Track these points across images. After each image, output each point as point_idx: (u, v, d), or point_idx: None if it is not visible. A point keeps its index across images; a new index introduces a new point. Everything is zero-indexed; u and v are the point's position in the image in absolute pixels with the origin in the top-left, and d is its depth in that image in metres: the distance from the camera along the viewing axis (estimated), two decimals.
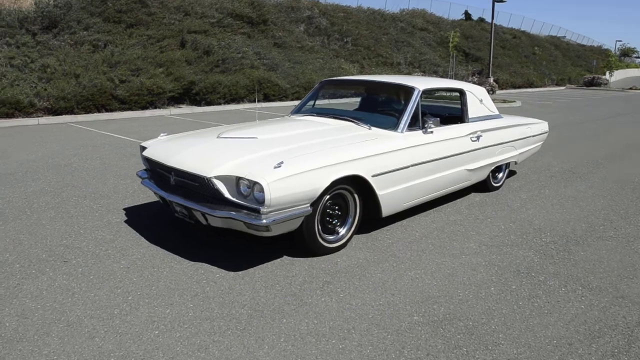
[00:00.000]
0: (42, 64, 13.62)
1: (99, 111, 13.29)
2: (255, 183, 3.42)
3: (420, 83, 5.07)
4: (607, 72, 40.54)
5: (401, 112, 4.77)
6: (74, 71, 13.65)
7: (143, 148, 4.57)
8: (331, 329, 2.96)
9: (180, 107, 15.11)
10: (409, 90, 4.92)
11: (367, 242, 4.34)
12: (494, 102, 6.15)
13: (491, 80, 24.34)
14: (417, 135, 4.68)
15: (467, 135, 5.25)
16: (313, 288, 3.47)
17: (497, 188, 6.21)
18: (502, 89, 28.20)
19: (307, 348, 2.76)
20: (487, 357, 2.72)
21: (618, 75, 41.31)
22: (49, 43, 14.71)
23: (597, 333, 2.98)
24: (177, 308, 3.16)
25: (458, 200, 5.71)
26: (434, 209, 5.34)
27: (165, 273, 3.64)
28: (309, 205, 3.67)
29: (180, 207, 3.89)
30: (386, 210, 4.38)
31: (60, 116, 12.43)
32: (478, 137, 5.39)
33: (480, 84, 21.71)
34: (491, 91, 22.37)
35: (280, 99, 17.55)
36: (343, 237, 4.15)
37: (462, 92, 5.51)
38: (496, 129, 5.73)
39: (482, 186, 5.99)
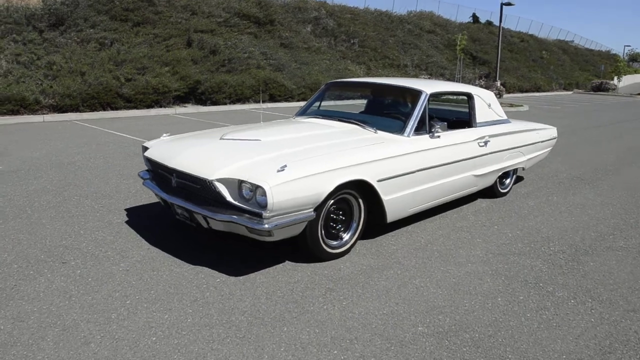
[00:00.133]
0: (48, 61, 13.62)
1: (104, 109, 13.26)
2: (257, 187, 3.34)
3: (428, 86, 4.98)
4: (616, 78, 40.26)
5: (408, 116, 4.69)
6: (79, 69, 13.63)
7: (145, 148, 4.50)
8: (333, 338, 2.88)
9: (185, 107, 15.07)
10: (416, 94, 4.83)
11: (371, 248, 4.26)
12: (501, 106, 6.05)
13: (498, 83, 24.19)
14: (424, 139, 4.59)
15: (474, 140, 5.16)
16: (315, 295, 3.39)
17: (504, 194, 6.11)
18: (509, 92, 28.02)
19: (307, 359, 2.68)
20: None
21: (626, 81, 41.01)
22: (56, 40, 14.71)
23: (608, 348, 2.89)
24: (176, 313, 3.08)
25: (464, 206, 5.62)
26: (440, 215, 5.25)
27: (165, 276, 3.57)
28: (312, 210, 3.59)
29: (182, 210, 3.82)
30: (391, 215, 4.29)
31: (65, 114, 12.40)
32: (486, 143, 5.30)
33: (487, 87, 21.57)
34: (498, 95, 22.22)
35: (286, 100, 17.48)
36: (347, 242, 4.07)
37: (470, 96, 5.42)
38: (504, 134, 5.64)
39: (489, 192, 5.89)
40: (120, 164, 7.17)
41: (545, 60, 40.05)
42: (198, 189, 3.73)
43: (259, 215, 3.36)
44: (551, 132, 6.77)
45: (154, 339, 2.80)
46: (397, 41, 28.38)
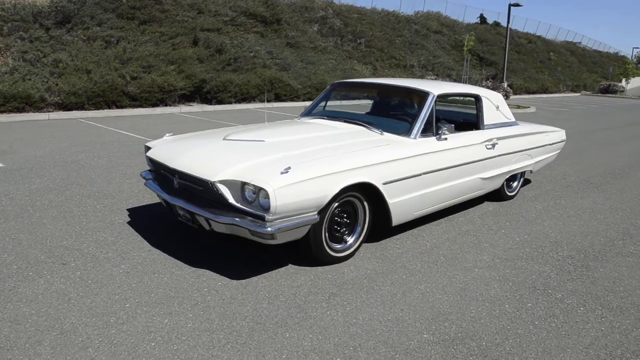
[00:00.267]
0: (54, 59, 13.61)
1: (109, 107, 13.25)
2: (260, 189, 3.27)
3: (435, 87, 4.90)
4: (624, 80, 39.97)
5: (414, 118, 4.61)
6: (85, 67, 13.62)
7: (147, 148, 4.45)
8: (336, 345, 2.81)
9: (190, 105, 15.03)
10: (423, 95, 4.75)
11: (375, 252, 4.18)
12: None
13: (505, 85, 24.02)
14: (431, 141, 4.51)
15: (482, 142, 5.08)
16: (318, 300, 3.32)
17: (512, 197, 6.02)
18: (516, 94, 27.85)
19: None
20: None
21: (635, 83, 40.69)
22: (62, 38, 14.71)
23: (619, 359, 2.80)
24: (176, 318, 3.02)
25: (470, 209, 5.54)
26: (446, 218, 5.16)
27: (166, 279, 3.51)
28: (316, 213, 3.52)
29: (183, 211, 3.76)
30: (397, 219, 4.22)
31: (70, 112, 12.39)
32: (493, 145, 5.21)
33: (494, 88, 21.41)
34: (505, 96, 22.05)
35: (292, 99, 17.42)
36: (351, 246, 3.99)
37: (477, 98, 5.33)
38: (512, 137, 5.55)
39: (496, 195, 5.80)
40: (124, 163, 7.13)
41: (552, 61, 39.80)
42: (200, 191, 3.67)
43: (262, 218, 3.29)
44: (560, 134, 6.67)
45: (153, 344, 2.74)
46: (404, 41, 28.26)
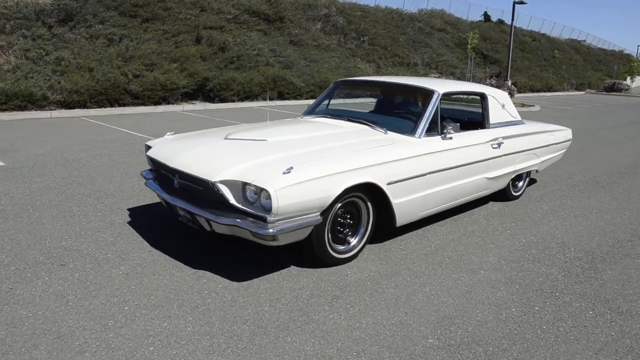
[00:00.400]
0: (57, 57, 13.56)
1: (111, 106, 13.20)
2: (262, 189, 3.21)
3: (440, 86, 4.82)
4: (629, 78, 39.72)
5: (419, 116, 4.53)
6: (88, 65, 13.57)
7: (148, 147, 4.38)
8: (339, 350, 2.74)
9: (193, 104, 14.97)
10: (428, 94, 4.67)
11: (379, 253, 4.11)
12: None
13: (509, 83, 23.87)
14: (436, 141, 4.44)
15: (487, 142, 5.00)
16: (321, 303, 3.25)
17: (517, 197, 5.94)
18: (520, 92, 27.68)
19: None
20: None
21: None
22: (65, 36, 14.66)
23: None
24: (175, 321, 2.96)
25: (475, 209, 5.46)
26: (451, 218, 5.09)
27: (166, 281, 3.45)
28: (319, 214, 3.45)
29: (184, 212, 3.69)
30: (401, 219, 4.15)
31: (72, 110, 12.34)
32: (499, 144, 5.13)
33: (498, 87, 21.28)
34: (510, 95, 21.90)
35: (295, 97, 17.34)
36: (354, 247, 3.92)
37: (483, 96, 5.25)
38: (518, 136, 5.46)
39: (501, 195, 5.72)
40: (125, 161, 7.07)
41: (557, 59, 39.58)
42: (201, 191, 3.61)
43: (264, 220, 3.22)
44: (566, 133, 6.58)
45: (152, 348, 2.68)
46: (408, 39, 28.12)
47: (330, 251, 3.73)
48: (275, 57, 18.56)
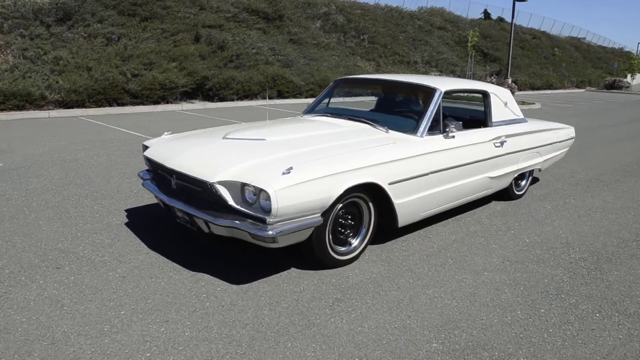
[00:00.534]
0: (55, 56, 13.48)
1: (110, 105, 13.11)
2: (261, 190, 3.13)
3: (442, 84, 4.75)
4: (629, 75, 39.61)
5: (421, 115, 4.45)
6: (86, 64, 13.49)
7: (145, 147, 4.30)
8: (340, 356, 2.67)
9: (192, 103, 14.90)
10: (429, 91, 4.59)
11: (381, 254, 4.04)
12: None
13: (510, 81, 23.77)
14: (438, 139, 4.36)
15: (490, 140, 4.92)
16: (322, 306, 3.18)
17: (520, 196, 5.87)
18: (520, 90, 27.57)
19: None
20: None
21: None
22: (63, 35, 14.58)
23: None
24: (173, 326, 2.88)
25: (478, 209, 5.38)
26: (453, 218, 5.01)
27: (163, 284, 3.38)
28: (319, 215, 3.38)
29: (182, 213, 3.62)
30: (403, 220, 4.07)
31: (71, 109, 12.26)
32: (502, 143, 5.05)
33: (498, 84, 21.18)
34: (510, 92, 21.82)
35: (294, 96, 17.25)
36: (356, 248, 3.85)
37: (485, 94, 5.17)
38: (521, 134, 5.39)
39: (504, 194, 5.65)
40: (123, 161, 6.99)
41: (557, 57, 39.47)
42: (199, 192, 3.53)
43: (263, 221, 3.15)
44: (569, 131, 6.51)
45: (149, 354, 2.60)
46: (407, 37, 28.03)
47: (331, 253, 3.66)
48: (274, 55, 18.47)
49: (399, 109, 5.16)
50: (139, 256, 3.81)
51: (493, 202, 5.63)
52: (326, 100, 5.36)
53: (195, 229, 3.65)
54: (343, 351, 2.71)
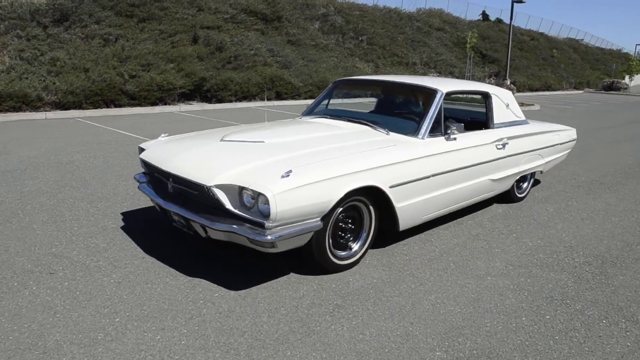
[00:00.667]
0: (52, 57, 13.38)
1: (107, 106, 13.02)
2: (259, 194, 3.05)
3: (443, 85, 4.67)
4: (627, 77, 39.61)
5: (422, 117, 4.38)
6: (83, 65, 13.39)
7: (141, 150, 4.22)
8: None
9: (190, 104, 14.81)
10: (431, 93, 4.52)
11: (382, 259, 3.96)
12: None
13: (508, 82, 23.73)
14: (440, 142, 4.29)
15: (492, 142, 4.85)
16: (322, 313, 3.10)
17: (521, 199, 5.80)
18: (519, 91, 27.54)
19: None
20: None
21: (638, 80, 40.35)
22: (60, 36, 14.48)
23: None
24: (169, 334, 2.80)
25: (479, 211, 5.31)
26: (454, 221, 4.94)
27: (159, 290, 3.29)
28: (319, 219, 3.30)
29: (178, 217, 3.53)
30: (404, 223, 4.00)
31: (68, 111, 12.16)
32: (504, 145, 4.98)
33: (497, 86, 21.12)
34: None
35: (293, 98, 17.17)
36: (356, 253, 3.77)
37: (487, 96, 5.10)
38: (523, 136, 5.32)
39: (505, 197, 5.58)
40: (120, 163, 6.91)
41: (555, 58, 39.46)
42: (196, 195, 3.45)
43: (261, 226, 3.07)
44: (570, 133, 6.44)
45: None
46: (406, 39, 27.98)
47: (331, 257, 3.58)
48: (273, 56, 18.39)
49: (399, 110, 5.09)
50: (134, 261, 3.72)
51: (494, 205, 5.56)
52: (325, 102, 5.28)
53: (191, 233, 3.57)
54: None
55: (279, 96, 16.91)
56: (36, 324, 2.85)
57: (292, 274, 3.61)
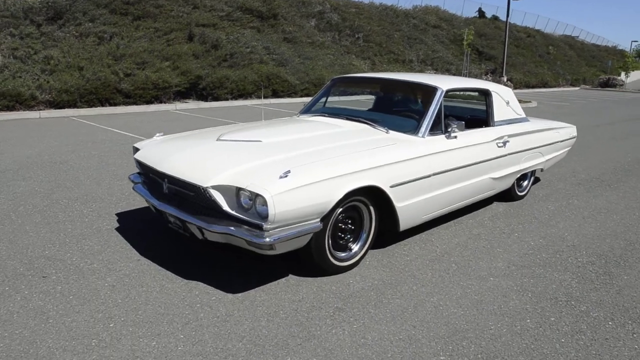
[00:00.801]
0: (46, 56, 13.25)
1: (102, 105, 12.90)
2: (257, 195, 2.97)
3: (443, 82, 4.60)
4: (623, 73, 39.66)
5: (422, 115, 4.30)
6: (77, 63, 13.27)
7: (136, 149, 4.13)
8: None
9: (186, 102, 14.70)
10: (431, 90, 4.44)
11: (382, 260, 3.89)
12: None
13: (505, 79, 23.71)
14: (440, 140, 4.21)
15: (493, 140, 4.78)
16: (322, 316, 3.02)
17: (522, 197, 5.73)
18: (516, 88, 27.51)
19: None
20: None
21: (634, 76, 40.42)
22: (54, 34, 14.35)
23: None
24: (165, 339, 2.72)
25: (480, 210, 5.24)
26: (455, 221, 4.87)
27: (155, 294, 3.21)
28: (319, 220, 3.22)
29: (174, 218, 3.45)
30: (404, 223, 3.92)
31: (62, 110, 12.04)
32: (505, 143, 4.91)
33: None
34: None
35: (290, 95, 17.09)
36: (356, 254, 3.70)
37: (487, 93, 5.03)
38: (523, 134, 5.25)
39: (506, 195, 5.51)
40: (115, 163, 6.81)
41: (551, 55, 39.48)
42: (192, 197, 3.37)
43: (259, 227, 2.99)
44: (570, 130, 6.38)
45: None
46: (403, 36, 27.91)
47: (331, 259, 3.50)
48: (269, 54, 18.30)
49: (399, 108, 5.01)
50: (129, 263, 3.64)
51: (495, 204, 5.49)
52: (323, 100, 5.20)
53: (187, 234, 3.48)
54: None
55: (276, 94, 16.81)
56: (28, 330, 2.76)
57: (291, 276, 3.53)
